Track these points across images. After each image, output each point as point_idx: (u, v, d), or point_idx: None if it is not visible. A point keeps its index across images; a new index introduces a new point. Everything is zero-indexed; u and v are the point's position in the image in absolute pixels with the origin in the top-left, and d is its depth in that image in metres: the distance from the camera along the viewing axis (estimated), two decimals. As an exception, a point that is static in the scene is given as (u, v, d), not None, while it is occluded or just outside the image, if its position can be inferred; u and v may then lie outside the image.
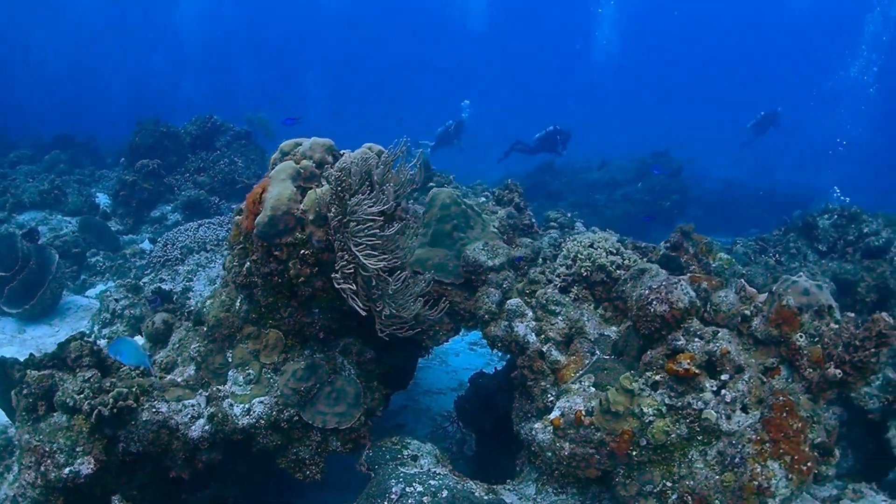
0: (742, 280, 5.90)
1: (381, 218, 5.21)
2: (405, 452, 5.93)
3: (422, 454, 5.96)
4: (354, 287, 5.33)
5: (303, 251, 5.45)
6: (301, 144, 6.04)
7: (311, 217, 5.39)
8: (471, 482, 5.57)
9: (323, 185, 5.57)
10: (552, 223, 8.95)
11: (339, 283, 5.20)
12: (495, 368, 9.21)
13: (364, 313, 5.35)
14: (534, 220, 8.23)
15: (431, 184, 10.19)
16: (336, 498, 5.76)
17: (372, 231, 5.12)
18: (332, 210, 5.17)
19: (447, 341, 7.36)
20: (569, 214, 9.26)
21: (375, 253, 5.18)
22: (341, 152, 5.99)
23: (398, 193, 5.59)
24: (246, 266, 5.93)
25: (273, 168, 5.87)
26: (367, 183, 5.33)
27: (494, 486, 5.76)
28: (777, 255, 9.94)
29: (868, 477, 6.24)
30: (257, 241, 5.59)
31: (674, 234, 7.36)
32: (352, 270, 5.27)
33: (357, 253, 5.04)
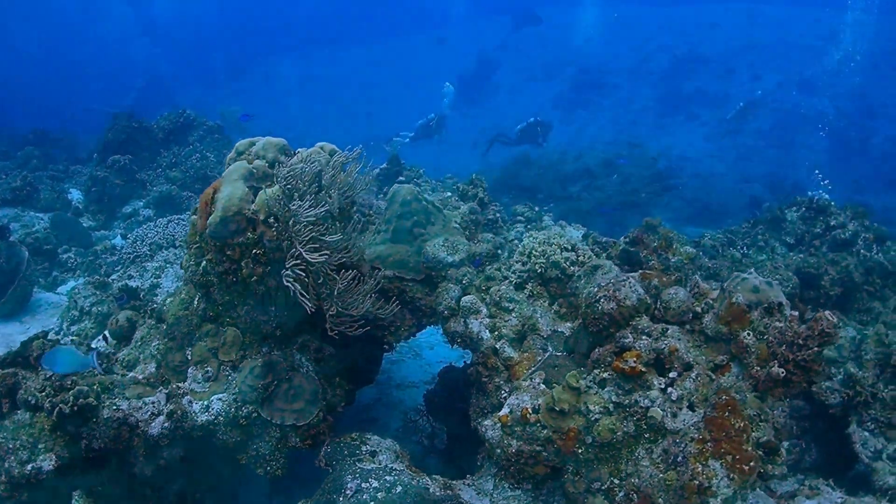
0: (696, 276, 5.93)
1: (317, 220, 5.23)
2: (364, 448, 5.97)
3: (381, 450, 5.99)
4: (305, 282, 5.36)
5: (255, 251, 5.47)
6: (255, 144, 6.05)
7: (262, 217, 5.40)
8: (426, 478, 5.61)
9: (275, 185, 5.59)
10: (519, 217, 8.98)
11: (287, 281, 5.22)
12: (465, 362, 9.25)
13: (312, 309, 5.38)
14: (499, 215, 8.25)
15: (401, 178, 10.22)
16: (309, 493, 5.84)
17: (308, 228, 5.14)
18: (278, 210, 5.20)
19: (413, 336, 7.42)
20: (536, 208, 9.29)
21: (317, 245, 5.21)
22: (295, 151, 5.99)
23: (347, 195, 5.61)
24: (202, 265, 5.95)
25: (228, 167, 5.88)
26: (316, 184, 5.34)
27: (452, 482, 5.80)
28: (744, 248, 9.98)
29: (832, 471, 6.32)
30: (211, 241, 5.61)
31: (634, 229, 7.40)
32: (302, 268, 5.30)
33: (300, 250, 5.07)
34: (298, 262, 5.22)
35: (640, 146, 22.19)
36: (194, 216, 6.13)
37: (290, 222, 5.11)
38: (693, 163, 23.16)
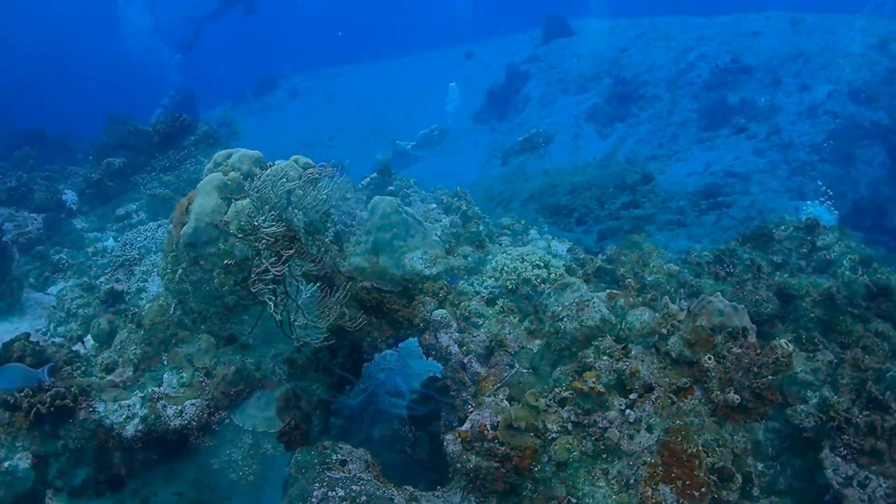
0: (666, 298, 5.97)
1: (279, 234, 5.31)
2: (334, 457, 6.02)
3: (351, 459, 6.05)
4: (275, 290, 5.43)
5: (226, 261, 5.56)
6: (231, 156, 6.13)
7: (233, 229, 5.48)
8: (393, 488, 5.66)
9: (246, 198, 5.67)
10: (505, 230, 9.01)
11: (253, 288, 5.29)
12: (447, 373, 9.28)
13: (279, 318, 5.45)
14: (482, 229, 8.27)
15: (391, 187, 10.27)
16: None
17: (268, 241, 5.22)
18: (246, 222, 5.28)
19: (394, 347, 7.48)
20: (523, 221, 9.31)
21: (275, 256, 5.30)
22: (271, 164, 6.07)
23: (318, 209, 5.68)
24: (178, 273, 6.03)
25: (205, 178, 5.96)
26: (286, 198, 5.42)
27: (419, 493, 5.85)
28: (728, 267, 9.97)
29: (806, 494, 6.31)
30: (185, 251, 5.69)
31: (612, 248, 7.44)
32: (270, 277, 5.37)
33: (265, 262, 5.15)
34: (265, 272, 5.29)
35: (685, 161, 21.94)
36: (171, 225, 6.22)
37: (257, 234, 5.19)
38: (741, 179, 22.76)
